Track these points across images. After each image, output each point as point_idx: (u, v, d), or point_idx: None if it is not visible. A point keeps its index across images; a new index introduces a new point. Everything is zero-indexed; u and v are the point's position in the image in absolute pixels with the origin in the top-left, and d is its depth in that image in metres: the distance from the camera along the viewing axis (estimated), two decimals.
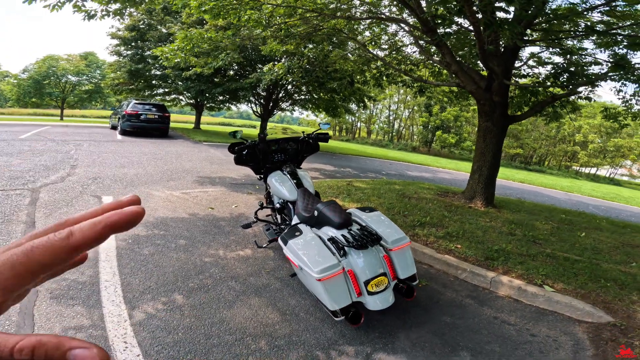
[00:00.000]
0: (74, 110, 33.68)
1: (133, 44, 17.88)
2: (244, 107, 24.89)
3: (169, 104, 20.04)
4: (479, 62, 6.87)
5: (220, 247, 3.30)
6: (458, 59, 5.92)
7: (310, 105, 18.87)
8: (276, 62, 12.23)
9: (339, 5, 6.20)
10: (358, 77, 10.88)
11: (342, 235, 2.22)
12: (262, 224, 3.53)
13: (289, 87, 17.06)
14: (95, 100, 30.13)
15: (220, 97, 18.04)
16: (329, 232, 2.34)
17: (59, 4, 4.22)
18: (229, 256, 3.13)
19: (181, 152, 9.75)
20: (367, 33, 8.47)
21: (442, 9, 4.21)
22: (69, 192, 4.52)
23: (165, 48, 8.13)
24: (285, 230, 2.40)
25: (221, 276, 2.72)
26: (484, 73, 5.81)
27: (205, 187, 5.73)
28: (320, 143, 3.71)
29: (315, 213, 2.46)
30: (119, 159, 7.56)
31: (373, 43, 8.18)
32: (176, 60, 8.14)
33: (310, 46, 9.76)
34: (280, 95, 17.97)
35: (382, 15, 6.54)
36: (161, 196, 4.83)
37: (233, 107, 22.85)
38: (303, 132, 3.70)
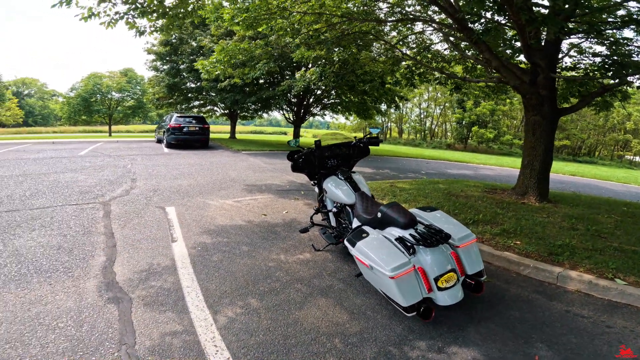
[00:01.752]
0: (119, 126, 36.11)
1: (168, 58, 18.92)
2: (274, 115, 25.45)
3: (205, 114, 21.00)
4: (516, 56, 6.67)
5: (281, 252, 3.47)
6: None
7: (341, 109, 19.01)
8: (307, 69, 12.51)
9: (364, 8, 6.29)
10: (389, 77, 10.87)
11: (410, 235, 2.31)
12: (318, 228, 3.67)
13: (319, 92, 17.31)
14: (137, 116, 32.10)
15: (254, 106, 18.63)
16: (394, 232, 2.43)
17: (113, 21, 4.62)
18: (290, 260, 3.29)
19: (224, 162, 10.22)
20: (393, 33, 8.47)
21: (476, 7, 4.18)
22: (136, 204, 4.95)
23: (205, 61, 8.64)
24: (351, 232, 2.51)
25: (287, 279, 2.88)
26: (523, 66, 5.65)
27: (254, 195, 6.00)
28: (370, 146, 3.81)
29: (379, 215, 2.56)
30: (171, 171, 8.09)
31: (401, 43, 8.18)
32: (216, 73, 8.62)
33: (337, 50, 9.93)
34: (311, 100, 18.28)
35: (410, 16, 6.54)
36: (216, 205, 5.15)
37: (265, 115, 23.48)
38: (355, 137, 3.82)
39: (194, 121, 14.34)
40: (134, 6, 4.36)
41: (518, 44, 6.12)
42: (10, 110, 36.65)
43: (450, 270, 2.25)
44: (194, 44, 17.87)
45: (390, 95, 15.99)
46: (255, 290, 2.66)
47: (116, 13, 4.43)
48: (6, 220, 3.92)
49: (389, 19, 6.54)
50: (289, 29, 6.36)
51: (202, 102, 20.12)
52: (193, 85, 18.64)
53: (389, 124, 46.67)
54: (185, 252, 3.29)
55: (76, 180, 6.47)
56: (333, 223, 3.45)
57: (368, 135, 3.76)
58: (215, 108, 21.20)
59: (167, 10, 4.58)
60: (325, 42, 7.05)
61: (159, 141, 16.61)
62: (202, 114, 19.13)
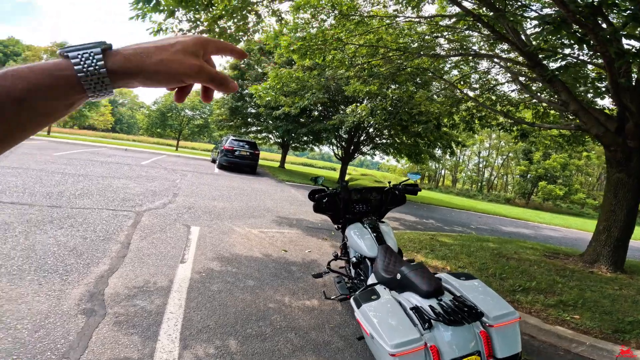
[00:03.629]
0: (187, 142, 39.42)
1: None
2: (325, 149, 25.75)
3: (259, 141, 21.92)
4: (598, 99, 5.89)
5: (287, 294, 3.16)
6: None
7: (392, 150, 18.58)
8: (359, 104, 12.56)
9: (423, 43, 6.11)
10: (445, 120, 10.40)
11: (430, 306, 1.87)
12: (334, 275, 3.31)
13: (371, 130, 17.21)
14: (203, 134, 34.78)
15: (305, 138, 19.04)
16: (412, 299, 2.00)
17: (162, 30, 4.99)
18: (294, 304, 2.96)
19: (265, 190, 10.32)
20: (454, 72, 8.13)
21: (550, 40, 3.73)
22: (165, 218, 5.02)
23: (259, 86, 9.03)
24: (360, 291, 2.14)
25: (282, 325, 2.55)
26: (608, 112, 4.91)
27: (282, 228, 5.82)
28: (407, 195, 3.41)
29: (398, 276, 2.15)
30: (212, 191, 8.32)
31: (462, 82, 7.78)
32: (267, 99, 8.93)
33: (394, 87, 9.77)
34: (362, 138, 18.19)
35: (471, 52, 6.19)
36: (241, 232, 5.03)
37: (316, 149, 23.93)
38: (389, 181, 3.47)
39: (246, 146, 14.96)
40: (194, 24, 4.69)
41: (601, 84, 5.40)
42: (103, 115, 42.11)
43: (474, 353, 1.74)
44: (259, 70, 19.09)
45: (446, 140, 15.29)
46: (240, 332, 2.36)
47: (180, 30, 4.79)
48: (43, 215, 4.15)
49: (449, 55, 6.28)
50: (345, 61, 6.39)
51: (259, 128, 21.13)
52: (253, 111, 19.68)
53: (442, 171, 44.77)
54: (188, 276, 3.12)
55: (125, 187, 6.88)
56: (352, 273, 3.07)
57: (405, 182, 3.37)
58: (270, 136, 22.11)
59: (225, 31, 4.83)
60: (378, 76, 6.95)
61: (213, 161, 17.59)
62: (256, 140, 20.01)
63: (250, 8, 4.74)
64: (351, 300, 2.11)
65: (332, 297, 3.12)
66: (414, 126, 12.14)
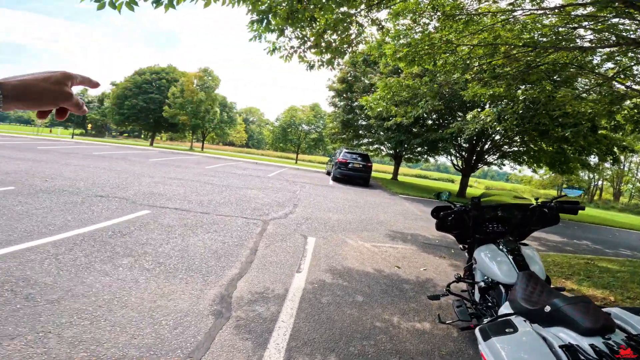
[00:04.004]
0: (305, 155, 42.89)
1: (344, 95, 21.04)
2: (442, 160, 23.92)
3: (371, 153, 22.00)
4: None
5: (397, 313, 2.98)
6: None
7: (527, 159, 15.92)
8: (481, 109, 11.21)
9: (556, 37, 4.99)
10: (603, 121, 8.33)
11: (591, 345, 1.44)
12: (454, 298, 2.96)
13: (497, 137, 15.18)
14: (319, 148, 37.24)
15: (419, 148, 18.16)
16: (563, 334, 1.59)
17: (289, 55, 5.38)
18: (402, 325, 2.76)
19: (378, 203, 10.21)
20: (608, 64, 6.41)
21: None
22: (286, 228, 5.46)
23: (369, 97, 9.02)
24: (489, 321, 1.83)
25: (386, 347, 2.38)
26: None
27: (395, 243, 5.60)
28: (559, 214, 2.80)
29: (547, 308, 1.75)
30: (328, 203, 8.70)
31: (622, 76, 6.06)
32: (379, 109, 8.84)
33: (524, 87, 8.34)
34: (486, 146, 16.21)
35: (630, 41, 4.73)
36: (353, 245, 5.05)
37: (431, 159, 22.54)
38: (536, 198, 2.93)
39: (359, 158, 15.22)
40: (303, 41, 5.04)
41: None
42: (239, 133, 49.73)
43: None
44: (366, 81, 19.32)
45: (605, 145, 12.23)
46: (343, 349, 2.30)
47: (291, 47, 5.22)
48: (196, 220, 5.05)
49: (599, 46, 5.02)
50: (459, 64, 5.84)
51: (370, 140, 21.27)
52: (364, 123, 19.98)
53: (600, 182, 35.98)
54: (302, 286, 3.26)
55: (256, 197, 7.84)
56: (476, 298, 2.68)
57: (561, 197, 2.77)
58: (382, 147, 21.97)
59: (331, 44, 5.02)
60: (503, 77, 6.07)
61: (328, 173, 18.50)
62: (368, 152, 20.15)
63: (350, 19, 4.81)
64: (476, 330, 1.80)
65: (447, 322, 2.79)
66: (557, 130, 10.14)
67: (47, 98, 0.54)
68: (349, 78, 20.65)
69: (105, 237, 3.74)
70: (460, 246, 2.97)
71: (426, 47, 5.44)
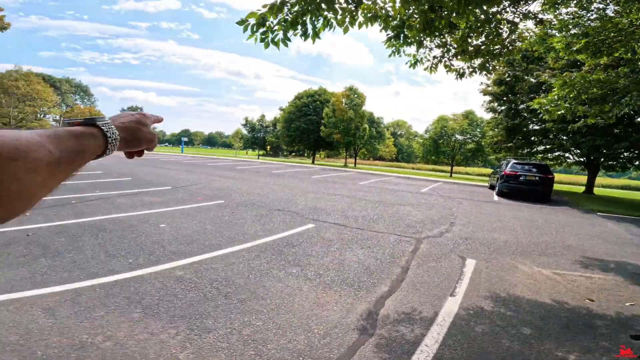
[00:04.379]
0: (460, 167, 39.20)
1: (504, 98, 17.93)
2: None
3: (550, 162, 18.02)
4: None
5: (576, 351, 2.38)
6: None
7: None
8: None
9: None
10: None
11: None
12: None
13: None
14: (477, 159, 33.31)
15: (626, 153, 13.66)
16: None
17: (433, 66, 5.10)
18: None
19: (564, 223, 8.29)
20: None
21: None
22: (441, 247, 5.13)
23: (543, 99, 7.43)
24: None
25: None
26: None
27: (589, 272, 4.41)
28: None
29: None
30: (492, 221, 7.68)
31: None
32: (559, 112, 7.17)
33: None
34: None
35: None
36: (526, 272, 4.26)
37: None
38: None
39: (534, 169, 12.77)
40: (446, 49, 4.67)
41: None
42: (388, 147, 50.38)
43: None
44: (532, 80, 16.01)
45: None
46: None
47: (434, 57, 4.93)
48: (352, 235, 5.41)
49: None
50: None
51: (547, 146, 17.49)
52: (536, 127, 16.63)
53: None
54: (454, 311, 2.99)
55: (409, 214, 7.74)
56: None
57: None
58: (567, 154, 17.66)
59: (480, 48, 4.47)
60: None
61: (491, 187, 16.28)
62: (545, 161, 16.61)
63: (496, 18, 4.15)
64: None
65: None
66: None
67: (145, 140, 0.57)
68: (507, 79, 17.74)
69: (281, 247, 4.49)
70: None
71: (612, 34, 4.18)
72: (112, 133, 0.48)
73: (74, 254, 3.59)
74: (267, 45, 3.12)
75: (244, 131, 65.37)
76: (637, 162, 15.65)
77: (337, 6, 3.13)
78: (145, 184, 9.13)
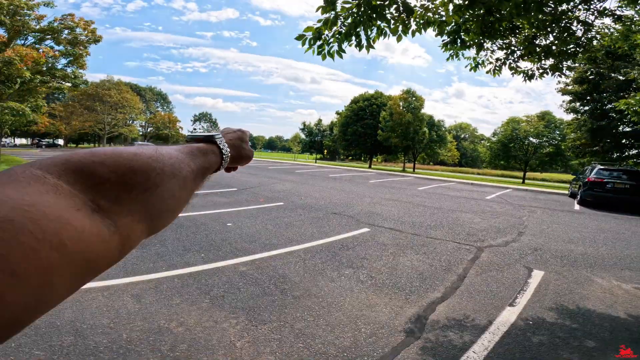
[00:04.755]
0: (535, 173, 35.36)
1: (588, 97, 15.80)
2: None
3: None
4: None
5: None
6: None
7: None
8: None
9: None
10: None
11: None
12: None
13: None
14: (556, 164, 29.79)
15: None
16: None
17: (497, 68, 4.79)
18: None
19: None
20: None
21: None
22: (505, 257, 4.83)
23: (631, 100, 6.51)
24: None
25: None
26: None
27: None
28: None
29: None
30: (569, 232, 6.95)
31: None
32: None
33: None
34: None
35: None
36: (603, 285, 3.83)
37: None
38: None
39: (624, 176, 11.19)
40: (510, 51, 4.37)
41: None
42: (450, 151, 47.59)
43: None
44: (621, 77, 13.89)
45: None
46: None
47: (497, 60, 4.64)
48: (407, 241, 5.35)
49: None
50: None
51: None
52: (628, 129, 14.44)
53: None
54: (511, 320, 2.85)
55: (471, 222, 7.36)
56: None
57: None
58: None
59: (550, 48, 4.10)
60: None
61: (572, 195, 14.55)
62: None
63: (567, 17, 3.76)
64: None
65: None
66: None
67: (245, 157, 0.56)
68: (591, 77, 15.66)
69: (336, 249, 4.66)
70: None
71: None
72: (226, 150, 0.49)
73: (158, 247, 4.17)
74: (324, 57, 3.33)
75: (302, 135, 67.33)
76: None
77: (388, 16, 3.22)
78: (214, 186, 10.03)
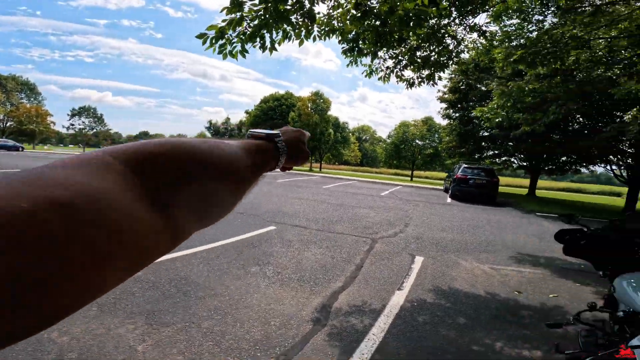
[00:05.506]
0: (420, 172, 41.10)
1: (458, 105, 19.25)
2: (601, 170, 19.25)
3: (499, 167, 19.52)
4: None
5: (502, 339, 2.73)
6: None
7: None
8: None
9: None
10: None
11: None
12: (583, 327, 2.51)
13: None
14: (435, 163, 35.18)
15: (564, 158, 15.21)
16: None
17: (386, 76, 5.52)
18: (505, 352, 2.52)
19: (505, 222, 9.14)
20: None
21: None
22: (394, 246, 5.51)
23: (485, 108, 8.22)
24: (605, 352, 1.60)
25: None
26: None
27: (521, 266, 4.97)
28: None
29: None
30: (443, 222, 8.27)
31: None
32: (497, 120, 7.95)
33: None
34: None
35: None
36: (467, 267, 4.72)
37: (584, 170, 18.47)
38: None
39: (482, 173, 13.86)
40: (397, 60, 5.11)
41: None
42: (353, 152, 51.43)
43: None
44: (483, 88, 17.42)
45: None
46: None
47: (387, 68, 5.35)
48: (312, 236, 5.63)
49: None
50: (598, 60, 4.90)
51: (495, 152, 18.98)
52: (486, 134, 18.00)
53: None
54: (400, 303, 3.29)
55: (367, 216, 8.11)
56: (614, 330, 2.25)
57: None
58: (513, 159, 19.27)
59: (428, 59, 4.93)
60: None
61: (446, 190, 17.34)
62: (495, 166, 18.00)
63: (443, 31, 4.64)
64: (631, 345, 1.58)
65: (566, 352, 2.38)
66: None
67: (302, 157, 0.55)
68: (462, 87, 19.08)
69: (242, 248, 4.60)
70: (600, 272, 2.53)
71: (547, 45, 4.79)
72: (283, 149, 0.48)
73: None
74: (225, 57, 3.27)
75: (208, 134, 63.74)
76: (574, 167, 17.41)
77: (293, 20, 3.36)
78: None
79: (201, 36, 3.12)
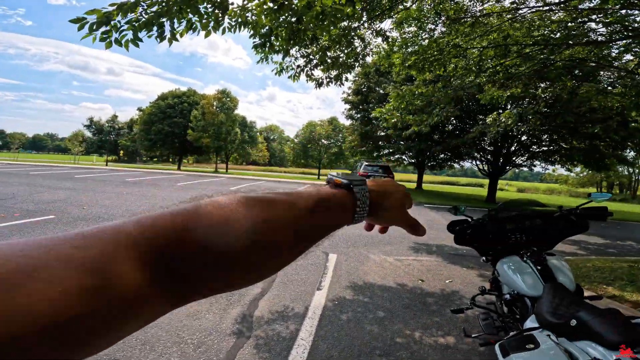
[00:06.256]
0: (327, 170, 43.03)
1: (360, 107, 20.97)
2: (468, 165, 23.27)
3: (393, 164, 21.75)
4: None
5: (419, 328, 2.97)
6: None
7: (559, 158, 15.23)
8: (501, 111, 10.94)
9: (567, 32, 4.89)
10: (633, 113, 7.93)
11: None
12: (480, 310, 2.88)
13: (523, 138, 14.65)
14: (340, 162, 37.29)
15: (442, 155, 17.81)
16: (590, 349, 1.54)
17: (297, 75, 5.58)
18: (424, 341, 2.74)
19: None
20: (627, 56, 6.12)
21: None
22: None
23: (383, 109, 9.03)
24: (510, 337, 1.79)
25: None
26: None
27: (419, 255, 5.54)
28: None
29: (573, 322, 1.70)
30: None
31: None
32: (393, 120, 8.80)
33: (543, 85, 8.08)
34: (513, 148, 15.68)
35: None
36: (376, 260, 5.04)
37: (456, 165, 22.01)
38: (560, 206, 2.83)
39: (380, 170, 15.19)
40: (308, 59, 5.21)
41: None
42: (261, 151, 50.79)
43: None
44: (381, 91, 19.28)
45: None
46: None
47: (298, 67, 5.39)
48: None
49: (614, 40, 4.86)
50: (470, 67, 5.81)
51: (390, 150, 21.10)
52: (383, 134, 19.84)
53: None
54: (322, 303, 3.32)
55: None
56: (504, 311, 2.61)
57: (585, 204, 2.62)
58: (404, 157, 21.72)
59: (337, 60, 5.14)
60: (518, 77, 5.97)
61: None
62: (390, 163, 19.98)
63: (353, 34, 4.92)
64: (496, 346, 1.77)
65: (473, 335, 2.72)
66: (588, 127, 9.73)
67: (392, 220, 0.47)
68: (364, 89, 20.70)
69: None
70: (483, 258, 2.91)
71: (435, 52, 5.46)
72: (364, 204, 0.41)
73: None
74: (109, 45, 2.73)
75: (88, 133, 54.30)
76: (449, 163, 20.54)
77: (202, 9, 3.00)
78: None
79: (77, 21, 2.52)
